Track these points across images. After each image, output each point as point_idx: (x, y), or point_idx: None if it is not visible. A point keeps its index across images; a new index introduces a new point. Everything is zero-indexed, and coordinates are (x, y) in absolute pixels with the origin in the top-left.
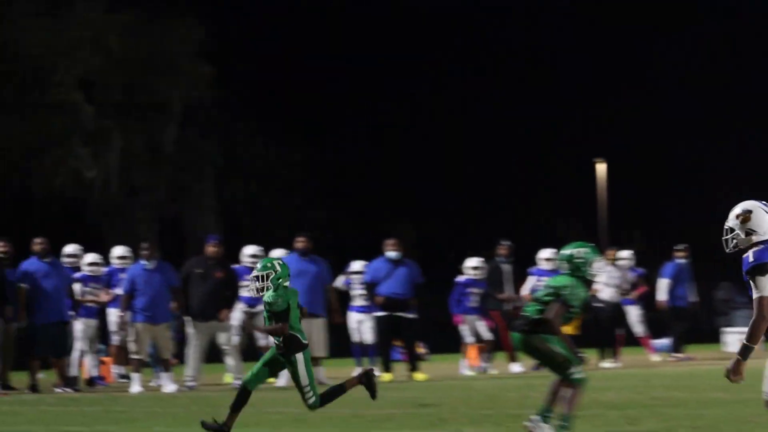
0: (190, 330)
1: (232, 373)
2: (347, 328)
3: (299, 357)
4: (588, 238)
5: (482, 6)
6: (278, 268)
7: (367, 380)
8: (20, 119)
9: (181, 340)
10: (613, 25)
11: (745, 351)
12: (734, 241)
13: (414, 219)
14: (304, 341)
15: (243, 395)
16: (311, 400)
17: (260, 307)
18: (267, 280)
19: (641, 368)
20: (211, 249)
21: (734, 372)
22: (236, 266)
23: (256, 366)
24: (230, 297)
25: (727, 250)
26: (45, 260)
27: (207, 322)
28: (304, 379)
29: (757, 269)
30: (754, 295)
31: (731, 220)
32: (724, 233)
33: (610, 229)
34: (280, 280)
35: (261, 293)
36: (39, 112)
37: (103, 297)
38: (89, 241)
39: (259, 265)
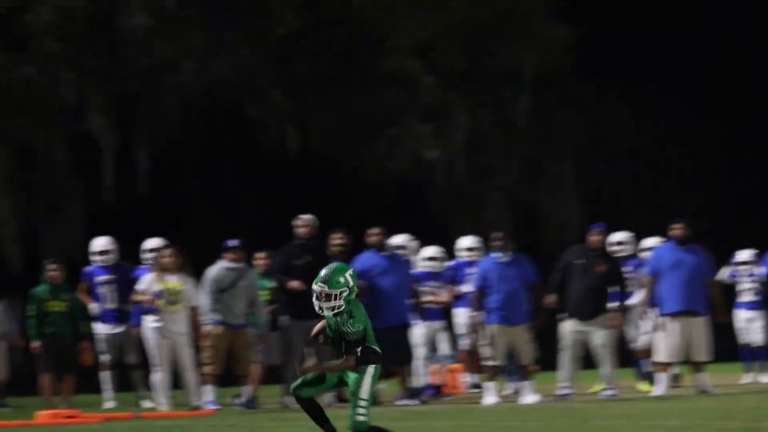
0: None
1: (604, 383)
2: (733, 327)
3: (371, 369)
4: None
5: None
6: (351, 281)
7: None
8: (349, 94)
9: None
10: None
11: None
12: None
13: None
14: (378, 350)
15: (308, 406)
16: (362, 417)
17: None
18: (340, 299)
19: None
20: (594, 238)
21: None
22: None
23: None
24: (619, 294)
25: None
26: (383, 254)
27: (584, 320)
28: (365, 392)
29: None
30: None
31: None
32: None
33: None
34: (350, 295)
35: (329, 313)
36: (370, 84)
37: (444, 296)
38: (430, 231)
39: (326, 279)
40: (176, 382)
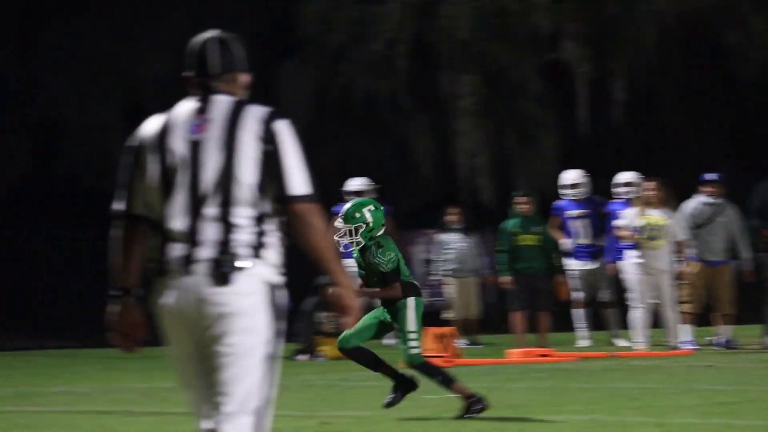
0: None
1: None
2: None
3: (411, 302)
4: None
5: None
6: (369, 217)
7: (473, 403)
8: None
9: None
10: None
11: None
12: None
13: None
14: (419, 289)
15: (360, 355)
16: (415, 350)
17: None
18: (357, 235)
19: None
20: None
21: None
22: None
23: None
24: None
25: None
26: None
27: None
28: (411, 325)
29: None
30: None
31: None
32: None
33: None
34: (372, 231)
35: (349, 250)
36: None
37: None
38: None
39: (344, 215)
40: (654, 320)
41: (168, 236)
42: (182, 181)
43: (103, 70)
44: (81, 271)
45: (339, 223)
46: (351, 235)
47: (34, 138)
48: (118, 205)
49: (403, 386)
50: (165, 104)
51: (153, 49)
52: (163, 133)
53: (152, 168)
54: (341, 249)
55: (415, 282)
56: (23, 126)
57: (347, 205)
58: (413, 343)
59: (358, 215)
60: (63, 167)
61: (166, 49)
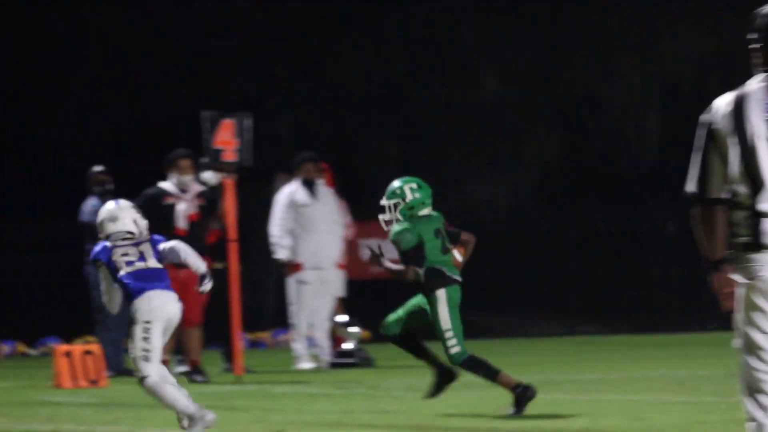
0: None
1: None
2: None
3: (440, 295)
4: None
5: None
6: (409, 194)
7: (521, 393)
8: None
9: None
10: None
11: None
12: None
13: None
14: (451, 275)
15: (407, 343)
16: (455, 349)
17: None
18: (395, 211)
19: None
20: None
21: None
22: None
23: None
24: None
25: None
26: None
27: None
28: (445, 323)
29: None
30: None
31: None
32: None
33: None
34: (413, 210)
35: (389, 227)
36: None
37: None
38: None
39: (388, 192)
40: None
41: (761, 214)
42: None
43: (634, 49)
44: (604, 255)
45: (383, 200)
46: (390, 212)
47: (566, 119)
48: (692, 188)
49: (444, 377)
50: (703, 82)
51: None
52: (738, 111)
53: (731, 149)
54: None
55: (444, 269)
56: (556, 107)
57: (393, 184)
58: (451, 342)
59: (398, 192)
60: (595, 148)
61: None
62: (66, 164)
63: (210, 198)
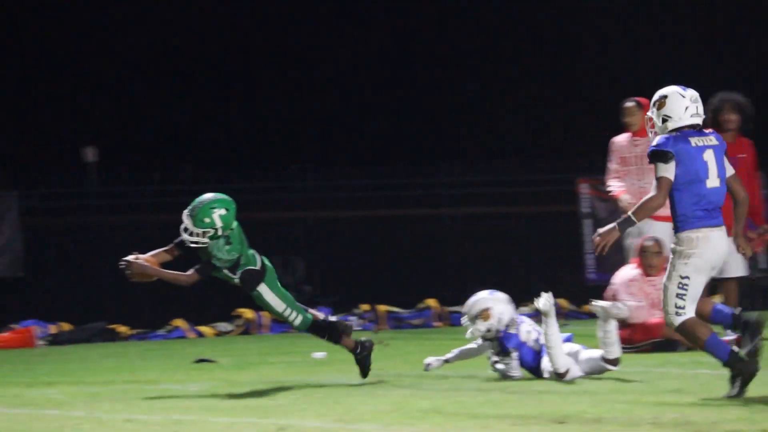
0: None
1: None
2: None
3: (262, 288)
4: None
5: None
6: (218, 222)
7: (360, 353)
8: None
9: None
10: None
11: (625, 222)
12: (653, 130)
13: None
14: (257, 267)
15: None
16: (298, 321)
17: None
18: (204, 237)
19: None
20: None
21: (604, 234)
22: None
23: None
24: None
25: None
26: None
27: None
28: (278, 306)
29: (657, 156)
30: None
31: (650, 109)
32: (646, 123)
33: None
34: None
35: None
36: None
37: None
38: None
39: (191, 217)
40: None
41: None
42: None
43: None
44: None
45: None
46: (197, 237)
47: None
48: None
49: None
50: None
51: None
52: None
53: None
54: None
55: (252, 266)
56: None
57: (200, 209)
58: (292, 316)
59: (207, 220)
60: None
61: None
62: None
63: None
